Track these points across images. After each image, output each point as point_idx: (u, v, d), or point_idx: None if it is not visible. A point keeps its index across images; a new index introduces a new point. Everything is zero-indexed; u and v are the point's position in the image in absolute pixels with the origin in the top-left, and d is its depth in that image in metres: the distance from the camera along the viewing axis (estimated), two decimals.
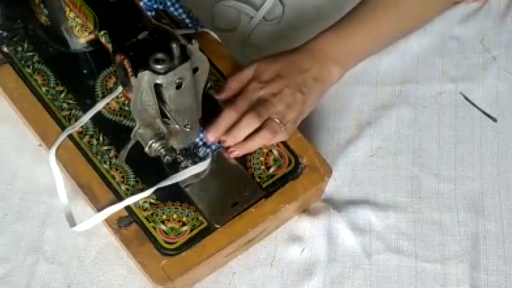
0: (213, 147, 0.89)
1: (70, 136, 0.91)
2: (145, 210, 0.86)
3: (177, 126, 0.78)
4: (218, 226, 0.86)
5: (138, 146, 0.80)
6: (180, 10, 0.97)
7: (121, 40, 0.75)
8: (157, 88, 0.74)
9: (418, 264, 0.91)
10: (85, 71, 0.96)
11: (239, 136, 0.88)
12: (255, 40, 1.08)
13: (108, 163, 0.89)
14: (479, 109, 1.02)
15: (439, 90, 1.03)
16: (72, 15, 0.90)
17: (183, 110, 0.77)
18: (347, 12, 0.97)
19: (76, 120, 0.92)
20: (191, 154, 0.88)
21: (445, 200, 0.95)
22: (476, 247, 0.92)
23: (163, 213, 0.86)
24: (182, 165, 0.87)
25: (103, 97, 0.93)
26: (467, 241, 0.92)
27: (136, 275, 0.89)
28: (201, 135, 0.89)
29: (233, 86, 0.92)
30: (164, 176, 0.87)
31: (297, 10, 1.11)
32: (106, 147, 0.90)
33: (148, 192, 0.86)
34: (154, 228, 0.85)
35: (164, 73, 0.72)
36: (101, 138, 0.91)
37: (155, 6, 0.96)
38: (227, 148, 0.89)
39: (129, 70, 0.73)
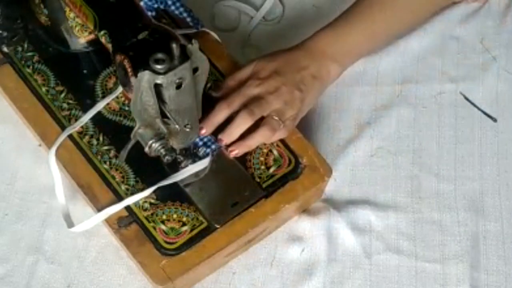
0: (213, 146, 0.89)
1: (70, 136, 0.91)
2: (145, 210, 0.86)
3: (177, 126, 0.78)
4: (218, 226, 0.86)
5: (138, 146, 0.80)
6: (181, 9, 0.97)
7: (121, 40, 0.75)
8: (157, 88, 0.74)
9: (418, 264, 0.91)
10: (85, 71, 0.96)
11: (233, 134, 0.88)
12: (255, 40, 1.08)
13: (108, 163, 0.89)
14: (479, 109, 1.02)
15: (439, 90, 1.03)
16: (72, 15, 0.90)
17: (183, 110, 0.77)
18: (345, 10, 0.97)
19: (76, 120, 0.92)
20: (191, 154, 0.88)
21: (445, 200, 0.95)
22: (476, 247, 0.92)
23: (163, 213, 0.86)
24: (182, 165, 0.87)
25: (103, 97, 0.93)
26: (467, 241, 0.92)
27: (136, 275, 0.89)
28: None
29: (231, 84, 0.92)
30: (164, 176, 0.87)
31: (297, 10, 1.11)
32: (106, 147, 0.90)
33: (148, 191, 0.86)
34: (154, 228, 0.85)
35: (164, 73, 0.72)
36: (101, 138, 0.91)
37: (155, 6, 0.95)
38: (227, 147, 0.89)
39: (129, 70, 0.73)
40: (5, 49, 0.96)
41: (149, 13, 0.94)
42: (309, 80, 0.92)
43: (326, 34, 0.95)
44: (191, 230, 0.85)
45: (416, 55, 1.06)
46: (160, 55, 0.71)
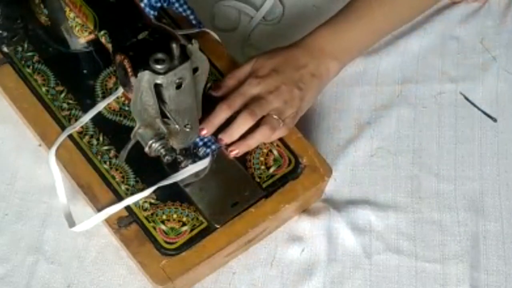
0: (213, 147, 0.89)
1: (70, 136, 0.91)
2: (145, 210, 0.86)
3: (177, 126, 0.78)
4: (218, 226, 0.86)
5: (138, 146, 0.80)
6: (185, 6, 0.98)
7: (121, 40, 0.75)
8: (157, 88, 0.74)
9: (418, 264, 0.91)
10: (85, 71, 0.96)
11: (234, 134, 0.88)
12: (255, 40, 1.08)
13: (108, 163, 0.89)
14: (479, 109, 1.02)
15: (439, 90, 1.03)
16: (72, 15, 0.90)
17: (183, 110, 0.77)
18: (343, 7, 0.97)
19: (76, 120, 0.92)
20: (191, 154, 0.88)
21: (445, 200, 0.95)
22: (476, 247, 0.92)
23: (163, 213, 0.86)
24: (182, 165, 0.87)
25: (103, 97, 0.93)
26: (467, 241, 0.92)
27: (136, 275, 0.89)
28: None
29: (230, 83, 0.92)
30: (164, 176, 0.87)
31: (297, 10, 1.11)
32: (106, 147, 0.90)
33: (148, 191, 0.86)
34: (154, 228, 0.85)
35: (164, 73, 0.72)
36: (101, 138, 0.91)
37: (158, 4, 0.95)
38: (228, 147, 0.89)
39: (129, 70, 0.73)
40: (5, 49, 0.96)
41: (151, 12, 0.94)
42: (308, 79, 0.92)
43: (325, 31, 0.95)
44: (191, 230, 0.85)
45: (416, 55, 1.06)
46: (160, 55, 0.71)
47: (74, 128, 0.91)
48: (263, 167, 0.89)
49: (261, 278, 0.90)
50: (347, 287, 0.90)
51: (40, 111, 0.93)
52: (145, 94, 0.74)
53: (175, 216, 0.86)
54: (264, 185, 0.88)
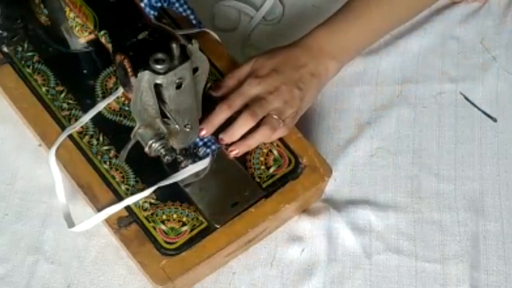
0: (213, 147, 0.89)
1: (70, 136, 0.91)
2: (145, 210, 0.86)
3: (177, 126, 0.78)
4: (218, 226, 0.86)
5: (138, 146, 0.80)
6: (185, 6, 0.98)
7: (121, 40, 0.75)
8: (157, 88, 0.74)
9: (418, 264, 0.91)
10: (85, 71, 0.96)
11: (234, 135, 0.88)
12: (255, 40, 1.08)
13: (108, 163, 0.89)
14: (479, 109, 1.02)
15: (439, 90, 1.03)
16: (72, 15, 0.90)
17: (183, 110, 0.77)
18: (342, 6, 0.97)
19: (76, 120, 0.92)
20: (191, 154, 0.88)
21: (445, 200, 0.95)
22: (476, 247, 0.92)
23: (163, 213, 0.86)
24: (182, 165, 0.87)
25: (103, 97, 0.93)
26: (467, 241, 0.92)
27: (136, 275, 0.89)
28: None
29: (230, 83, 0.92)
30: (164, 176, 0.87)
31: (297, 10, 1.11)
32: (106, 147, 0.90)
33: (148, 192, 0.86)
34: (154, 228, 0.85)
35: (164, 73, 0.72)
36: (101, 138, 0.91)
37: (158, 4, 0.95)
38: (228, 147, 0.89)
39: (129, 70, 0.73)
40: (5, 49, 0.96)
41: (151, 12, 0.94)
42: (307, 78, 0.92)
43: (324, 31, 0.95)
44: (191, 230, 0.85)
45: (416, 55, 1.06)
46: (160, 55, 0.71)
47: (74, 128, 0.91)
48: (263, 167, 0.89)
49: (261, 278, 0.90)
50: (347, 287, 0.90)
51: (40, 111, 0.93)
52: (145, 94, 0.74)
53: (175, 216, 0.86)
54: (264, 185, 0.88)
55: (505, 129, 1.00)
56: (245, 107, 0.89)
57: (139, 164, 0.88)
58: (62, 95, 0.94)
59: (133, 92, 0.74)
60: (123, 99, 0.93)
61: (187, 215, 0.86)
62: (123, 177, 0.88)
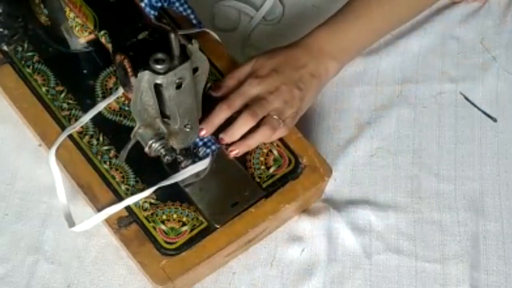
0: (213, 147, 0.89)
1: (70, 136, 0.91)
2: (145, 210, 0.86)
3: (177, 126, 0.78)
4: (218, 226, 0.86)
5: (138, 146, 0.80)
6: (186, 6, 0.98)
7: (121, 40, 0.75)
8: (157, 88, 0.74)
9: (418, 264, 0.91)
10: (85, 71, 0.96)
11: (235, 135, 0.88)
12: (255, 40, 1.08)
13: (108, 163, 0.89)
14: (479, 109, 1.02)
15: (439, 90, 1.03)
16: (72, 15, 0.90)
17: (183, 110, 0.77)
18: (342, 6, 0.97)
19: (76, 120, 0.92)
20: (191, 154, 0.88)
21: (445, 200, 0.95)
22: (476, 247, 0.92)
23: (163, 213, 0.86)
24: (182, 165, 0.87)
25: (103, 97, 0.93)
26: (467, 241, 0.92)
27: (136, 275, 0.89)
28: None
29: (230, 83, 0.92)
30: (164, 176, 0.87)
31: (297, 10, 1.11)
32: (106, 147, 0.90)
33: (148, 192, 0.86)
34: (154, 228, 0.85)
35: (164, 73, 0.72)
36: (101, 138, 0.91)
37: (159, 4, 0.95)
38: (228, 147, 0.89)
39: (129, 70, 0.73)
40: (5, 48, 0.96)
41: (152, 12, 0.94)
42: (307, 79, 0.92)
43: (324, 31, 0.95)
44: (191, 230, 0.85)
45: (416, 55, 1.06)
46: (160, 55, 0.71)
47: (74, 128, 0.91)
48: (263, 167, 0.89)
49: (261, 278, 0.90)
50: (347, 287, 0.90)
51: (40, 111, 0.93)
52: (145, 94, 0.74)
53: (175, 216, 0.86)
54: (264, 185, 0.88)
55: (505, 129, 1.00)
56: (245, 107, 0.89)
57: (139, 164, 0.88)
58: (62, 95, 0.94)
59: (133, 92, 0.74)
60: (123, 99, 0.93)
61: (187, 215, 0.86)
62: (123, 177, 0.88)
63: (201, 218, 0.86)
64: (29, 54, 0.96)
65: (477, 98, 1.02)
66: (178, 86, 0.74)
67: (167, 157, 0.80)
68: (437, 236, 0.93)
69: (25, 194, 0.95)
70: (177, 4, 0.97)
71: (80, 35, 0.94)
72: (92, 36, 0.94)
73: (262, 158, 0.90)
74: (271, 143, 0.91)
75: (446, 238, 0.92)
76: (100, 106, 0.93)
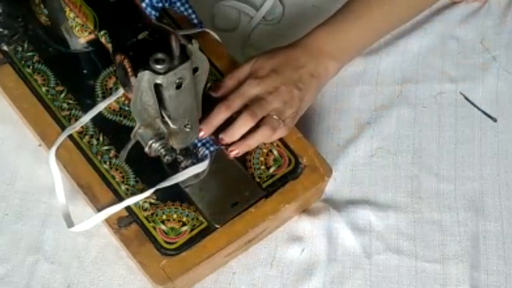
0: (211, 148, 0.89)
1: (70, 136, 0.91)
2: (145, 210, 0.86)
3: (177, 126, 0.78)
4: (218, 226, 0.86)
5: (138, 146, 0.80)
6: (187, 5, 0.97)
7: (121, 40, 0.75)
8: (157, 88, 0.74)
9: (418, 264, 0.91)
10: (85, 71, 0.96)
11: (234, 135, 0.88)
12: (255, 40, 1.08)
13: (108, 163, 0.89)
14: (479, 109, 1.02)
15: (439, 90, 1.03)
16: (72, 15, 0.90)
17: (183, 110, 0.77)
18: (342, 6, 0.97)
19: (76, 120, 0.92)
20: (191, 154, 0.88)
21: (445, 200, 0.95)
22: (476, 247, 0.92)
23: (163, 213, 0.86)
24: (182, 165, 0.87)
25: (103, 97, 0.93)
26: (467, 241, 0.92)
27: (136, 275, 0.89)
28: None
29: (230, 84, 0.92)
30: (164, 176, 0.87)
31: (297, 10, 1.11)
32: (106, 147, 0.90)
33: (148, 193, 0.86)
34: (154, 228, 0.85)
35: (164, 73, 0.72)
36: (101, 138, 0.91)
37: (160, 5, 0.95)
38: (228, 147, 0.89)
39: (129, 70, 0.73)
40: (5, 47, 0.96)
41: (153, 13, 0.94)
42: (307, 79, 0.92)
43: (323, 31, 0.95)
44: (191, 230, 0.85)
45: (416, 55, 1.06)
46: (160, 55, 0.71)
47: (74, 128, 0.91)
48: (263, 167, 0.89)
49: (261, 278, 0.90)
50: (347, 287, 0.90)
51: (40, 111, 0.93)
52: (145, 94, 0.74)
53: (175, 216, 0.86)
54: (264, 185, 0.88)
55: (505, 129, 1.00)
56: (245, 107, 0.89)
57: (139, 164, 0.88)
58: (62, 95, 0.94)
59: (133, 92, 0.74)
60: (123, 99, 0.93)
61: (187, 215, 0.86)
62: (123, 177, 0.88)
63: (201, 218, 0.86)
64: (29, 54, 0.96)
65: (477, 98, 1.02)
66: (178, 86, 0.74)
67: (167, 157, 0.80)
68: (437, 236, 0.93)
69: (25, 194, 0.95)
70: (178, 4, 0.97)
71: (80, 35, 0.94)
72: (92, 36, 0.94)
73: (262, 158, 0.90)
74: (271, 143, 0.91)
75: (446, 238, 0.92)
76: (101, 107, 0.92)
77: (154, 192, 0.87)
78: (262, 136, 0.89)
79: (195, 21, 0.98)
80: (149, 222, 0.86)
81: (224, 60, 0.97)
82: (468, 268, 0.90)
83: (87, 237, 0.91)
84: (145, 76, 0.72)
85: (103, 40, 0.79)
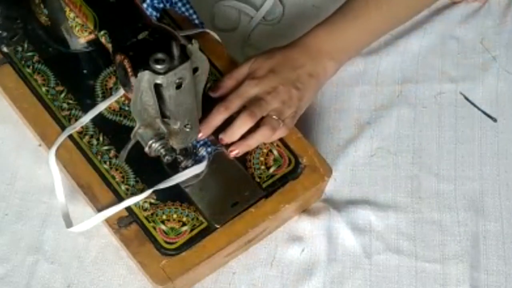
0: (209, 149, 0.89)
1: (70, 136, 0.91)
2: (145, 210, 0.86)
3: (177, 126, 0.78)
4: (218, 226, 0.86)
5: (138, 146, 0.80)
6: (188, 6, 0.98)
7: (121, 40, 0.75)
8: (157, 88, 0.74)
9: (418, 264, 0.91)
10: (85, 71, 0.96)
11: (234, 135, 0.88)
12: (255, 40, 1.08)
13: (108, 163, 0.89)
14: (479, 109, 1.02)
15: (439, 90, 1.03)
16: (72, 15, 0.90)
17: (183, 110, 0.77)
18: (340, 6, 0.97)
19: (76, 120, 0.92)
20: (191, 154, 0.88)
21: (445, 200, 0.95)
22: (476, 247, 0.92)
23: (163, 213, 0.86)
24: (182, 165, 0.87)
25: (103, 97, 0.93)
26: (467, 241, 0.92)
27: (136, 275, 0.89)
28: None
29: (228, 84, 0.92)
30: (164, 176, 0.87)
31: (297, 10, 1.11)
32: (106, 147, 0.90)
33: (146, 193, 0.86)
34: (154, 228, 0.85)
35: (164, 73, 0.72)
36: (101, 138, 0.91)
37: (161, 5, 0.95)
38: (228, 147, 0.89)
39: (129, 70, 0.73)
40: (5, 49, 0.96)
41: (154, 13, 0.94)
42: (305, 78, 0.92)
43: (321, 31, 0.95)
44: (191, 230, 0.85)
45: (416, 55, 1.06)
46: (160, 55, 0.71)
47: (74, 128, 0.91)
48: (263, 167, 0.89)
49: (261, 278, 0.90)
50: (347, 287, 0.90)
51: (40, 111, 0.93)
52: (145, 94, 0.74)
53: (175, 216, 0.86)
54: (264, 185, 0.88)
55: (505, 129, 1.00)
56: (244, 108, 0.89)
57: (139, 164, 0.88)
58: (62, 95, 0.94)
59: (133, 92, 0.74)
60: (123, 99, 0.93)
61: (187, 215, 0.86)
62: (123, 177, 0.88)
63: (201, 218, 0.86)
64: (29, 54, 0.96)
65: (477, 98, 1.02)
66: (178, 86, 0.74)
67: (167, 157, 0.80)
68: (437, 236, 0.93)
69: (25, 194, 0.95)
70: (179, 4, 0.97)
71: (80, 35, 0.94)
72: (92, 36, 0.94)
73: (262, 158, 0.90)
74: (271, 143, 0.91)
75: (446, 238, 0.92)
76: (101, 107, 0.92)
77: (154, 192, 0.87)
78: (262, 136, 0.89)
79: (196, 21, 0.98)
80: (149, 222, 0.86)
81: (224, 60, 0.97)
82: (468, 268, 0.90)
83: (87, 237, 0.91)
84: (145, 76, 0.72)
85: (103, 40, 0.79)
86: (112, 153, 0.90)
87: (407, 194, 0.95)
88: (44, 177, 0.94)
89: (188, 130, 0.80)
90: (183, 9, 0.97)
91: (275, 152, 0.91)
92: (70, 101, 0.94)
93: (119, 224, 0.86)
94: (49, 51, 0.97)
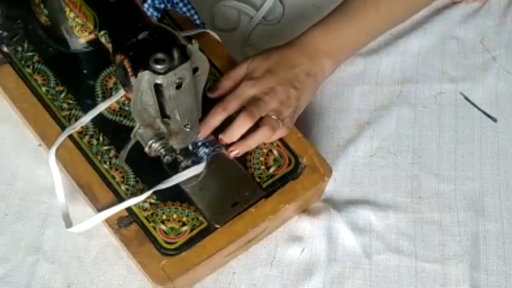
0: (207, 150, 0.89)
1: (70, 136, 0.91)
2: (145, 210, 0.86)
3: (177, 126, 0.78)
4: (218, 226, 0.86)
5: (138, 146, 0.80)
6: (189, 6, 0.97)
7: (121, 40, 0.75)
8: (157, 88, 0.74)
9: (418, 264, 0.91)
10: (85, 71, 0.96)
11: (233, 135, 0.88)
12: (255, 40, 1.08)
13: (108, 163, 0.89)
14: (479, 109, 1.02)
15: (439, 90, 1.03)
16: (72, 15, 0.90)
17: (183, 110, 0.77)
18: (338, 6, 0.97)
19: (76, 120, 0.92)
20: (191, 154, 0.88)
21: (445, 200, 0.95)
22: (476, 247, 0.92)
23: (163, 213, 0.86)
24: (182, 165, 0.87)
25: (103, 97, 0.93)
26: (467, 241, 0.92)
27: (136, 275, 0.89)
28: None
29: (226, 85, 0.92)
30: (164, 176, 0.87)
31: (297, 10, 1.11)
32: (106, 147, 0.90)
33: (146, 194, 0.86)
34: (154, 228, 0.85)
35: (164, 73, 0.72)
36: (101, 138, 0.91)
37: (162, 6, 0.95)
38: (228, 147, 0.89)
39: (129, 70, 0.73)
40: (5, 49, 0.96)
41: (155, 14, 0.94)
42: (303, 78, 0.92)
43: (320, 31, 0.95)
44: (191, 230, 0.85)
45: (416, 55, 1.06)
46: (160, 55, 0.71)
47: (74, 128, 0.91)
48: (263, 167, 0.89)
49: (261, 278, 0.90)
50: (347, 287, 0.90)
51: (40, 111, 0.93)
52: (145, 94, 0.74)
53: (175, 216, 0.86)
54: (264, 185, 0.88)
55: (505, 129, 1.00)
56: (243, 108, 0.89)
57: (139, 164, 0.88)
58: (62, 95, 0.94)
59: (133, 92, 0.74)
60: (123, 99, 0.93)
61: (187, 215, 0.86)
62: (123, 177, 0.88)
63: (201, 218, 0.86)
64: (29, 54, 0.96)
65: (477, 98, 1.02)
66: (178, 86, 0.74)
67: (167, 157, 0.80)
68: (437, 236, 0.93)
69: (25, 194, 0.95)
70: (180, 4, 0.97)
71: (80, 35, 0.94)
72: (92, 36, 0.94)
73: (262, 158, 0.90)
74: (271, 143, 0.91)
75: (446, 238, 0.92)
76: (101, 107, 0.92)
77: (154, 192, 0.87)
78: (262, 136, 0.89)
79: (198, 21, 0.98)
80: (149, 222, 0.86)
81: (224, 60, 0.97)
82: (468, 268, 0.90)
83: (87, 237, 0.91)
84: (145, 76, 0.72)
85: (103, 40, 0.79)
86: (112, 153, 0.90)
87: (407, 194, 0.95)
88: (44, 177, 0.94)
89: (188, 130, 0.80)
90: (184, 9, 0.97)
91: (275, 152, 0.91)
92: (70, 101, 0.94)
93: (119, 224, 0.86)
94: (49, 51, 0.97)
